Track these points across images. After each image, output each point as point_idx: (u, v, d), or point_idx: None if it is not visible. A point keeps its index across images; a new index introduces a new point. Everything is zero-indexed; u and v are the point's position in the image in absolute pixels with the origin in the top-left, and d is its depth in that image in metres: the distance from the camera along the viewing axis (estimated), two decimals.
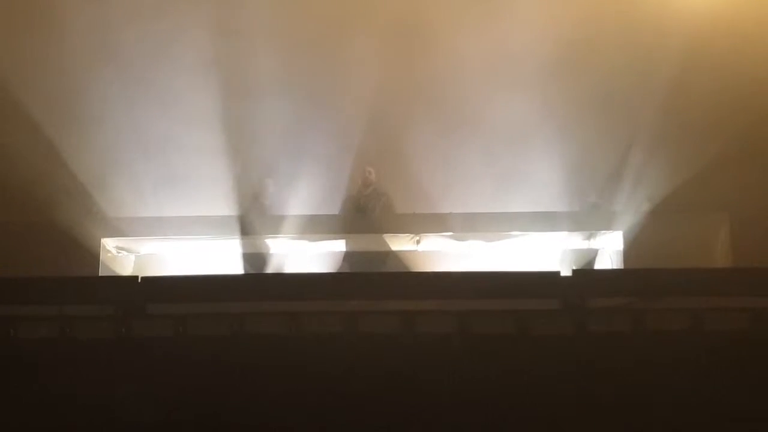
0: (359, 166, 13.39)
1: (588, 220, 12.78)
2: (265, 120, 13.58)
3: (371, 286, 9.75)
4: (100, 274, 12.23)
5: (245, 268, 12.40)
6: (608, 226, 12.58)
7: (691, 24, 13.53)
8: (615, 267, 12.35)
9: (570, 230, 12.63)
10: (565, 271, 10.06)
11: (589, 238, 12.73)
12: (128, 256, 12.89)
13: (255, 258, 12.50)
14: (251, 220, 12.61)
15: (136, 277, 10.24)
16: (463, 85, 13.65)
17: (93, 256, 12.34)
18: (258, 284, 9.91)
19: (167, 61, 13.52)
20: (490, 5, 13.81)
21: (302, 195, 13.28)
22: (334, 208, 13.35)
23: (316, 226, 12.67)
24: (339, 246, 12.80)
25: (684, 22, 13.52)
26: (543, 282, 9.62)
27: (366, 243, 12.74)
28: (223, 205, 13.13)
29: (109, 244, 12.68)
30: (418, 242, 12.79)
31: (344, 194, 13.39)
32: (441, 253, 12.82)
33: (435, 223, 12.75)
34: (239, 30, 13.68)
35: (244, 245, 12.47)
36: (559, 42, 13.39)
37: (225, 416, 8.99)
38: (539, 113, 13.50)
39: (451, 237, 12.74)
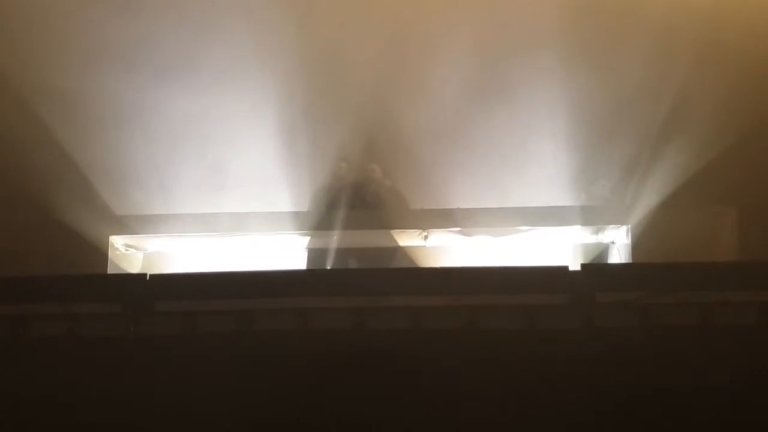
0: (368, 162, 13.35)
1: (596, 214, 12.77)
2: (269, 117, 13.53)
3: (379, 282, 9.74)
4: (108, 272, 12.25)
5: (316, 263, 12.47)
6: (616, 221, 12.58)
7: (702, 17, 13.48)
8: (623, 261, 12.35)
9: (578, 225, 12.63)
10: (574, 266, 10.02)
11: (597, 232, 12.73)
12: (136, 253, 12.91)
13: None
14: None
15: (145, 274, 10.23)
16: (469, 79, 13.62)
17: (101, 254, 12.36)
18: (266, 281, 9.89)
19: (173, 53, 13.47)
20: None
21: (307, 191, 13.26)
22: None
23: (324, 223, 12.68)
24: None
25: (694, 15, 13.47)
26: (551, 277, 9.61)
27: (374, 239, 12.74)
28: (232, 201, 13.13)
29: (117, 241, 12.69)
30: (426, 238, 12.79)
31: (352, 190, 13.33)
32: (449, 248, 12.83)
33: (443, 218, 12.75)
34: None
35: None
36: (565, 33, 13.36)
37: (234, 413, 9.00)
38: (545, 108, 13.48)
39: (459, 232, 12.74)
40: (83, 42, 13.41)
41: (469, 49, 13.58)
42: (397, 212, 12.94)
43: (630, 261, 12.25)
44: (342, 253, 12.62)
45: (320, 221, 12.68)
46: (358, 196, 13.04)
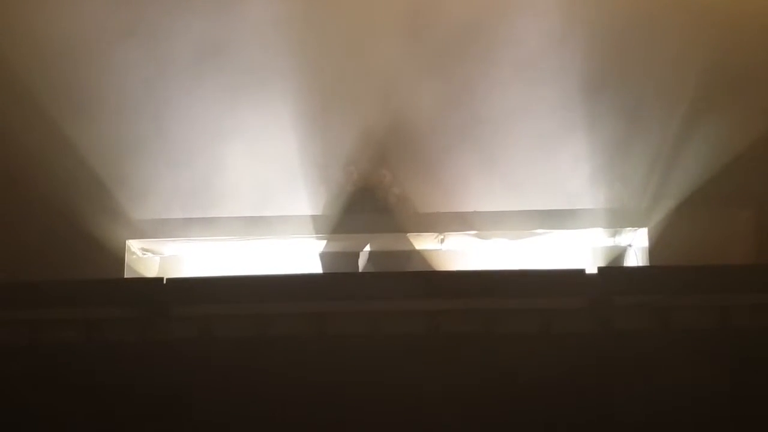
0: (378, 166, 13.31)
1: (613, 217, 12.74)
2: (283, 120, 13.51)
3: (396, 285, 9.72)
4: (125, 276, 12.27)
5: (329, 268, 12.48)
6: (634, 223, 12.55)
7: (723, 18, 13.42)
8: (641, 264, 12.32)
9: (595, 227, 12.60)
10: (591, 269, 9.99)
11: (614, 235, 12.70)
12: (153, 257, 12.93)
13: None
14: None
15: (162, 278, 10.25)
16: (485, 80, 13.58)
17: (118, 258, 12.38)
18: (283, 285, 9.89)
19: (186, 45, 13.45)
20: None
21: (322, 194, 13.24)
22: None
23: (340, 226, 12.67)
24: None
25: (715, 16, 13.41)
26: (568, 280, 9.57)
27: (390, 242, 12.73)
28: (248, 205, 13.13)
29: (133, 245, 12.71)
30: (442, 241, 12.78)
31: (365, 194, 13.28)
32: (465, 251, 12.81)
33: (459, 221, 12.73)
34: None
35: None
36: (580, 39, 13.33)
37: (250, 418, 8.99)
38: (558, 107, 13.45)
39: (475, 235, 12.73)
40: (102, 47, 13.42)
41: (484, 49, 13.57)
42: (406, 219, 12.91)
43: (648, 264, 12.22)
44: (357, 257, 12.64)
45: (334, 225, 12.67)
46: (368, 201, 13.01)
